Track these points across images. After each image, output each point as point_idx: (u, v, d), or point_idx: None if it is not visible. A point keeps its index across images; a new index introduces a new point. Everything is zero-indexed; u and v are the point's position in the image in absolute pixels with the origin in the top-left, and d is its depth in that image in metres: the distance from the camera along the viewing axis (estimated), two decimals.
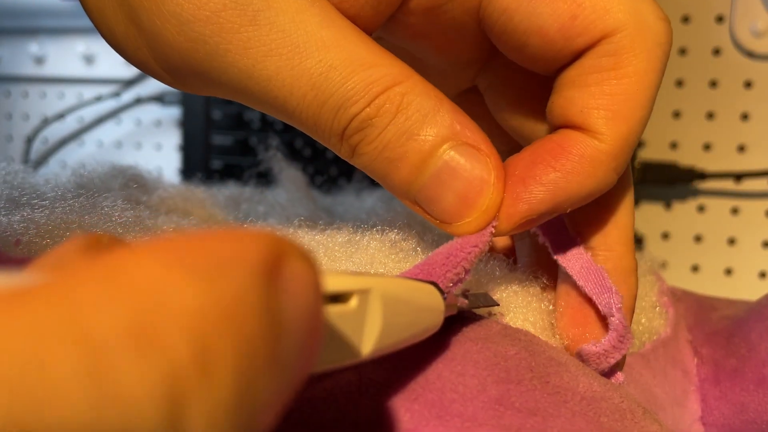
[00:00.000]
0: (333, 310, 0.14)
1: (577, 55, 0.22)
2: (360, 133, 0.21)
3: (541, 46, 0.22)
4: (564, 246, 0.25)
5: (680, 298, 0.33)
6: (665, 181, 0.58)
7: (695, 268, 0.59)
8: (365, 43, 0.21)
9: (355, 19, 0.22)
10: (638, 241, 0.59)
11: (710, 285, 0.58)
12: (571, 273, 0.24)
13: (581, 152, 0.22)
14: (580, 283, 0.24)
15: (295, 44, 0.21)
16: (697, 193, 0.59)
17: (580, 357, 0.23)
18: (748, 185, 0.58)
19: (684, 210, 0.59)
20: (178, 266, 0.10)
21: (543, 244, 0.25)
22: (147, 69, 0.23)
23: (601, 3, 0.21)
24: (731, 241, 0.58)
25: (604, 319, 0.23)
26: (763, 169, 0.56)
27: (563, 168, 0.22)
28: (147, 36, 0.22)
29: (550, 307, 0.25)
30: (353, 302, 0.15)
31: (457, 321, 0.22)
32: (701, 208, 0.59)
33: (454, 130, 0.21)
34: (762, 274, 0.57)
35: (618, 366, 0.24)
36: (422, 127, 0.21)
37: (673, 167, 0.57)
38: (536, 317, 0.24)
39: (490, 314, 0.24)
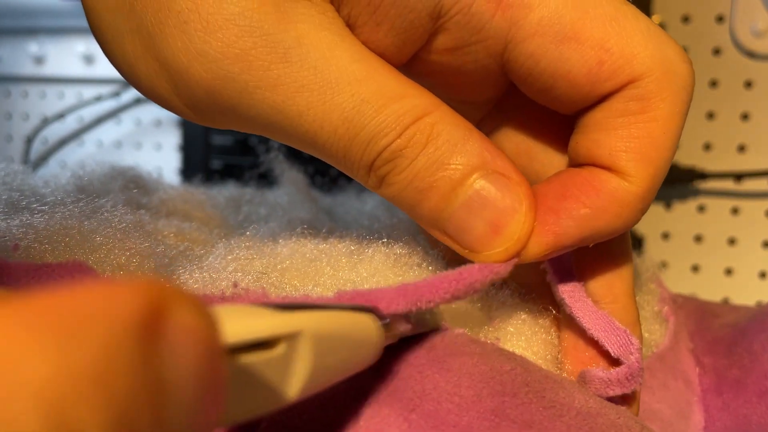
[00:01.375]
0: (256, 358, 0.14)
1: (603, 98, 0.22)
2: (390, 164, 0.22)
3: (568, 90, 0.22)
4: (570, 287, 0.25)
5: (681, 305, 0.33)
6: (665, 181, 0.57)
7: (695, 268, 0.59)
8: (395, 76, 0.22)
9: (382, 56, 0.22)
10: (638, 241, 0.59)
11: (710, 285, 0.58)
12: (576, 314, 0.24)
13: (612, 192, 0.22)
14: (588, 326, 0.23)
15: (326, 80, 0.21)
16: (697, 193, 0.59)
17: (583, 379, 0.23)
18: (748, 185, 0.58)
19: (684, 210, 0.59)
20: (31, 329, 0.09)
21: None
22: (168, 104, 0.23)
23: (628, 48, 0.21)
24: (731, 241, 0.58)
25: (610, 362, 0.23)
26: (763, 169, 0.56)
27: (593, 205, 0.22)
28: (171, 73, 0.22)
29: (556, 339, 0.25)
30: (280, 348, 0.14)
31: (451, 336, 0.22)
32: (701, 208, 0.59)
33: (484, 158, 0.22)
34: (762, 274, 0.57)
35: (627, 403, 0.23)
36: (452, 157, 0.21)
37: (673, 167, 0.57)
38: (541, 348, 0.24)
39: (487, 339, 0.24)
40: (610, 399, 0.23)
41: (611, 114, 0.22)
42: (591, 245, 0.23)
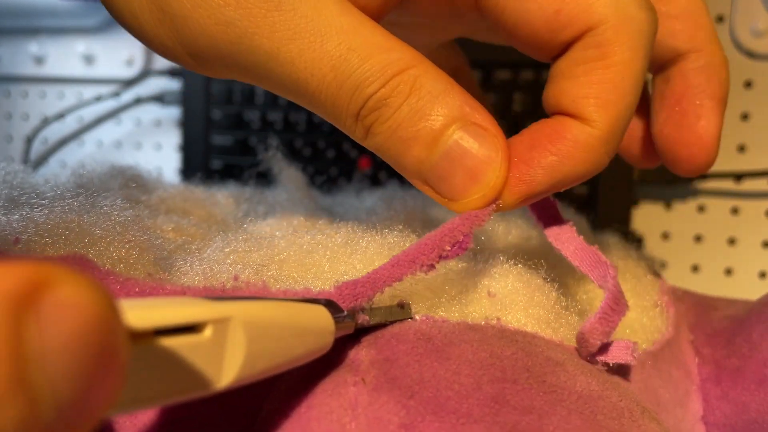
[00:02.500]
0: (180, 341, 0.14)
1: (565, 47, 0.24)
2: (375, 113, 0.23)
3: (530, 38, 0.24)
4: (557, 229, 0.26)
5: (681, 297, 0.33)
6: (665, 181, 0.58)
7: (695, 268, 0.59)
8: (380, 31, 0.23)
9: (363, 10, 0.24)
10: (638, 241, 0.59)
11: (710, 285, 0.58)
12: (565, 254, 0.25)
13: (576, 138, 0.23)
14: (575, 263, 0.25)
15: (316, 29, 0.22)
16: (697, 193, 0.59)
17: (582, 336, 0.23)
18: (748, 185, 0.58)
19: (684, 210, 0.59)
20: None
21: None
22: (168, 52, 0.24)
23: None
24: (731, 241, 0.58)
25: None
26: (763, 169, 0.56)
27: (560, 152, 0.23)
28: (174, 20, 0.23)
29: (553, 294, 0.25)
30: (207, 332, 0.15)
31: (449, 327, 0.22)
32: (701, 208, 0.59)
33: (464, 111, 0.23)
34: (762, 274, 0.57)
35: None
36: (434, 107, 0.23)
37: None
38: (539, 311, 0.24)
39: (487, 318, 0.24)
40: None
41: (572, 63, 0.23)
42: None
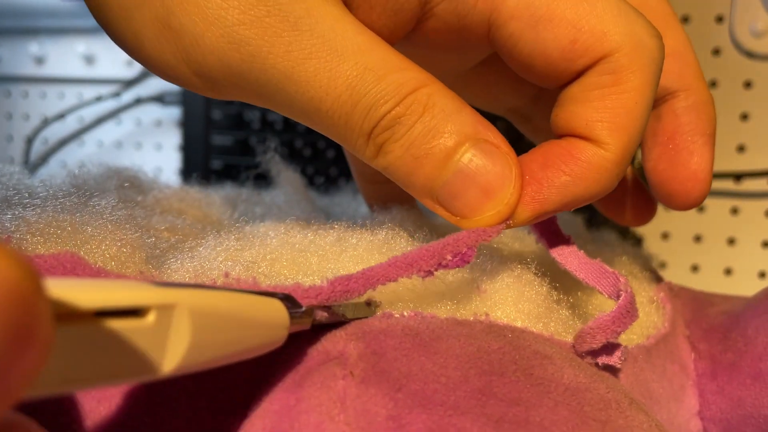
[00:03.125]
0: (120, 325, 0.14)
1: (579, 74, 0.24)
2: (388, 131, 0.23)
3: (545, 68, 0.24)
4: (559, 245, 0.26)
5: (677, 293, 0.33)
6: None
7: (695, 268, 0.59)
8: (394, 51, 0.23)
9: None
10: (638, 241, 0.59)
11: (710, 285, 0.57)
12: (569, 269, 0.25)
13: (589, 160, 0.23)
14: (581, 276, 0.25)
15: (333, 48, 0.22)
16: None
17: (591, 332, 0.23)
18: (748, 185, 0.57)
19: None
20: None
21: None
22: (172, 72, 0.24)
23: (599, 26, 0.23)
24: (731, 241, 0.58)
25: None
26: (763, 169, 0.56)
27: (573, 173, 0.23)
28: (183, 38, 0.23)
29: (543, 289, 0.25)
30: (150, 317, 0.14)
31: (437, 322, 0.23)
32: (701, 208, 0.59)
33: (477, 128, 0.23)
34: (762, 274, 0.57)
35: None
36: (447, 125, 0.23)
37: None
38: (529, 306, 0.24)
39: (476, 314, 0.24)
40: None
41: (586, 88, 0.24)
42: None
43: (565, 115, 0.24)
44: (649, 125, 0.29)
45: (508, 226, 0.24)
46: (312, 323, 0.21)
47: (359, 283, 0.22)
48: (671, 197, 0.28)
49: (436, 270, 0.23)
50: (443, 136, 0.23)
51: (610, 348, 0.24)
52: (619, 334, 0.23)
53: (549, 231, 0.27)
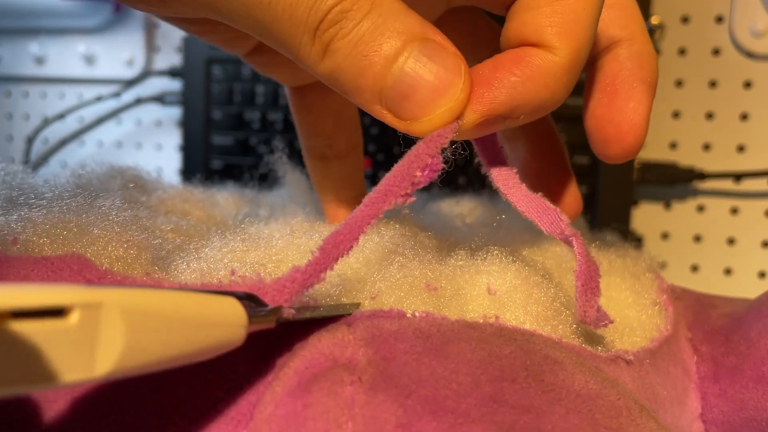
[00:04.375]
0: (40, 326, 0.13)
1: None
2: (335, 27, 0.22)
3: None
4: (503, 174, 0.26)
5: (680, 296, 0.33)
6: (665, 181, 0.58)
7: (695, 268, 0.59)
8: None
9: None
10: (638, 241, 0.59)
11: (710, 285, 0.58)
12: (512, 201, 0.26)
13: (539, 62, 0.24)
14: (522, 208, 0.25)
15: None
16: (696, 193, 0.59)
17: (580, 290, 0.24)
18: (748, 185, 0.58)
19: (683, 210, 0.59)
20: None
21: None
22: None
23: None
24: (731, 241, 0.58)
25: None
26: (763, 169, 0.56)
27: (522, 74, 0.23)
28: None
29: (551, 291, 0.25)
30: (73, 318, 0.14)
31: (448, 325, 0.22)
32: (701, 208, 0.59)
33: (424, 29, 0.23)
34: (762, 274, 0.57)
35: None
36: (395, 23, 0.22)
37: (673, 167, 0.57)
38: (537, 308, 0.24)
39: (486, 316, 0.24)
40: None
41: None
42: (522, 117, 0.25)
43: (516, 25, 0.24)
44: (591, 72, 0.29)
45: (460, 133, 0.24)
46: (277, 321, 0.20)
47: (346, 234, 0.22)
48: (607, 143, 0.28)
49: (412, 190, 0.23)
50: (392, 34, 0.22)
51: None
52: (598, 280, 0.23)
53: (494, 159, 0.27)
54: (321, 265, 0.21)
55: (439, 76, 0.22)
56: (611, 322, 0.24)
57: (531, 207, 0.25)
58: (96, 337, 0.14)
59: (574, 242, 0.24)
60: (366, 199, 0.22)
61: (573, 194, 0.32)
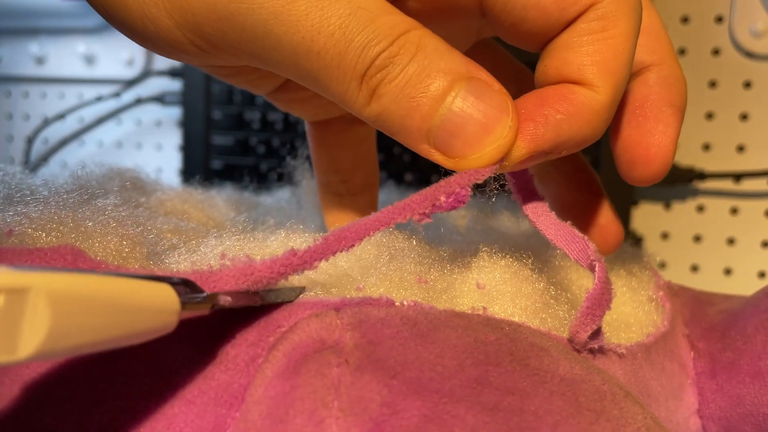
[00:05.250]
0: None
1: (569, 23, 0.24)
2: (382, 72, 0.23)
3: (538, 19, 0.24)
4: (533, 202, 0.27)
5: (677, 293, 0.33)
6: (665, 181, 0.57)
7: (694, 268, 0.59)
8: None
9: None
10: (637, 241, 0.59)
11: (709, 285, 0.57)
12: (540, 228, 0.26)
13: (582, 101, 0.24)
14: (550, 236, 0.26)
15: None
16: (696, 193, 0.59)
17: (573, 333, 0.23)
18: (748, 185, 0.58)
19: (683, 210, 0.59)
20: None
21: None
22: (155, 27, 0.24)
23: None
24: (730, 241, 0.58)
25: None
26: (763, 169, 0.56)
27: (567, 112, 0.24)
28: None
29: (541, 285, 0.25)
30: None
31: (435, 313, 0.23)
32: (700, 208, 0.59)
33: (469, 68, 0.23)
34: (761, 274, 0.57)
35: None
36: (440, 64, 0.23)
37: (673, 167, 0.57)
38: (526, 302, 0.24)
39: (474, 308, 0.24)
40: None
41: (577, 34, 0.24)
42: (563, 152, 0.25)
43: (556, 63, 0.25)
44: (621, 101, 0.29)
45: (502, 168, 0.24)
46: (212, 308, 0.21)
47: (354, 231, 0.22)
48: (634, 166, 0.28)
49: (431, 212, 0.23)
50: (438, 74, 0.23)
51: (596, 331, 0.24)
52: (605, 310, 0.23)
53: (525, 188, 0.27)
54: (318, 253, 0.22)
55: (487, 115, 0.23)
56: (598, 348, 0.25)
57: (559, 235, 0.26)
58: (20, 320, 0.15)
59: (597, 266, 0.24)
60: (384, 209, 0.23)
61: (612, 221, 0.32)
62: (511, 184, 0.27)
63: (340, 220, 0.36)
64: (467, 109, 0.23)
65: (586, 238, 0.25)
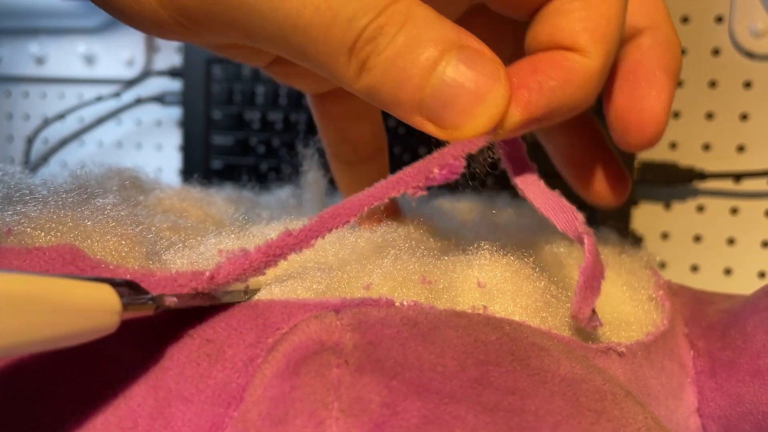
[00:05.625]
0: None
1: None
2: (371, 44, 0.22)
3: None
4: (523, 173, 0.27)
5: (677, 292, 0.33)
6: (665, 181, 0.57)
7: (694, 268, 0.59)
8: None
9: None
10: (637, 241, 0.59)
11: (709, 285, 0.57)
12: (528, 197, 0.26)
13: (574, 66, 0.24)
14: (537, 205, 0.25)
15: None
16: (696, 193, 0.59)
17: (578, 302, 0.24)
18: (748, 185, 0.58)
19: (683, 210, 0.59)
20: None
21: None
22: (144, 15, 0.23)
23: None
24: (730, 241, 0.58)
25: None
26: (763, 169, 0.56)
27: (560, 78, 0.24)
28: None
29: (542, 284, 0.25)
30: None
31: (435, 313, 0.23)
32: (701, 208, 0.59)
33: (460, 36, 0.23)
34: (761, 274, 0.57)
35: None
36: (430, 33, 0.22)
37: (673, 167, 0.57)
38: (527, 300, 0.24)
39: (474, 307, 0.24)
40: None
41: (568, 0, 0.25)
42: (558, 119, 0.25)
43: (548, 30, 0.25)
44: (614, 66, 0.29)
45: (496, 136, 0.24)
46: (157, 309, 0.20)
47: (346, 209, 0.22)
48: (627, 132, 0.28)
49: (425, 185, 0.23)
50: (428, 44, 0.22)
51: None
52: (600, 281, 0.23)
53: (516, 156, 0.27)
54: (313, 232, 0.22)
55: (479, 83, 0.22)
56: (601, 325, 0.24)
57: (547, 204, 0.25)
58: None
59: (585, 239, 0.24)
60: (377, 183, 0.22)
61: (619, 171, 0.32)
62: (503, 153, 0.27)
63: (354, 188, 0.36)
64: (459, 78, 0.22)
65: (574, 208, 0.25)
